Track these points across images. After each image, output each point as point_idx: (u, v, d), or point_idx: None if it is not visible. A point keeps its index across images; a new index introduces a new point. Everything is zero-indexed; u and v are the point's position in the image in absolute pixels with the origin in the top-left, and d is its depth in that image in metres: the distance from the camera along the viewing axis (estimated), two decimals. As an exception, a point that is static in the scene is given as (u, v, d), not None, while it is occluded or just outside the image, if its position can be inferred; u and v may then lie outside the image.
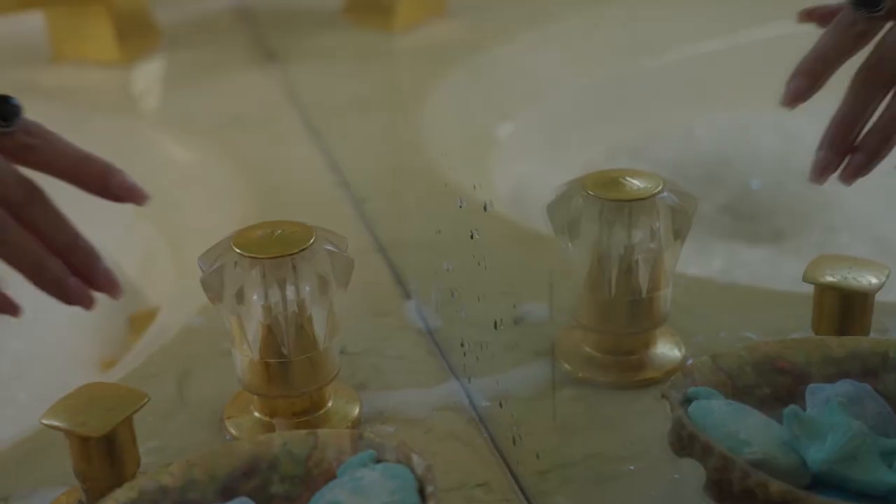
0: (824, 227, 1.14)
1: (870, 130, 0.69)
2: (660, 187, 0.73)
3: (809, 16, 0.77)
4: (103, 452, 0.63)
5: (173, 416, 0.75)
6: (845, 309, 0.72)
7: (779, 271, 1.10)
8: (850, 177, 0.70)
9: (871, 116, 0.69)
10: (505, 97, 1.30)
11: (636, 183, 0.74)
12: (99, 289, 0.62)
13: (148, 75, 1.38)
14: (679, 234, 0.74)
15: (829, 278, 0.72)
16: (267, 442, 0.62)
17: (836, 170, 0.70)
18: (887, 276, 0.73)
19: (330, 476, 0.61)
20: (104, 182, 0.64)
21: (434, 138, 1.17)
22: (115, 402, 0.64)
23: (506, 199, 1.08)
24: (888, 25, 0.70)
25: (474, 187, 0.76)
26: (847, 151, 0.70)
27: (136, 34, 1.38)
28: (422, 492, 0.58)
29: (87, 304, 0.61)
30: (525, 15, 1.45)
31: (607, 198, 0.73)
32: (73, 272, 0.61)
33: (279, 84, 1.31)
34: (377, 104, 1.27)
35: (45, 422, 0.63)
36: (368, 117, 1.23)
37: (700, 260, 1.07)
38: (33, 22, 1.37)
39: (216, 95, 1.30)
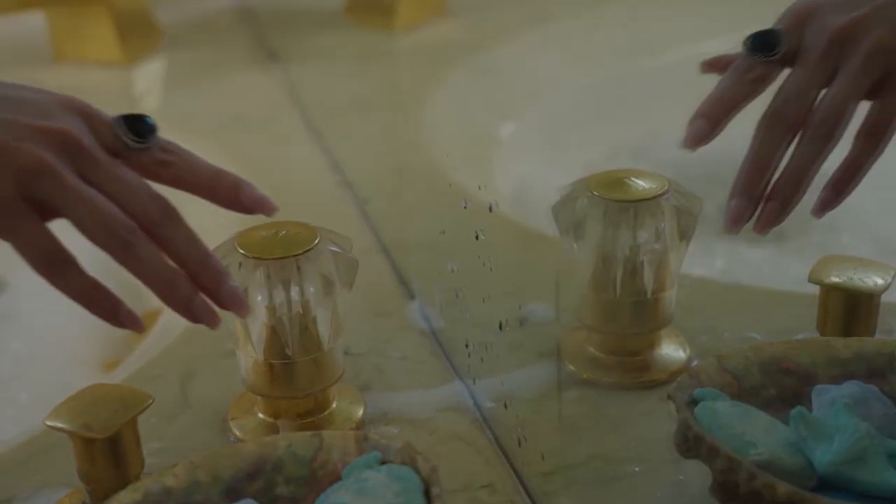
0: (826, 227, 1.14)
1: (781, 177, 0.69)
2: (665, 188, 0.73)
3: (712, 66, 0.78)
4: (107, 454, 0.63)
5: (177, 418, 0.74)
6: (851, 310, 0.72)
7: (781, 271, 1.10)
8: (765, 226, 0.69)
9: (779, 162, 0.69)
10: (506, 97, 1.30)
11: (641, 183, 0.74)
12: (224, 307, 0.63)
13: (149, 75, 1.38)
14: (684, 235, 0.74)
15: (835, 279, 0.72)
16: (271, 443, 0.62)
17: (750, 217, 0.69)
18: (893, 277, 0.73)
19: (335, 478, 0.61)
20: (236, 196, 0.65)
21: (435, 138, 1.17)
22: (120, 404, 0.64)
23: (507, 199, 1.08)
24: (786, 71, 0.70)
25: (479, 188, 0.76)
26: (760, 198, 0.69)
27: (136, 34, 1.38)
28: (427, 493, 0.58)
29: (212, 322, 0.62)
30: (525, 15, 1.45)
31: (612, 198, 0.73)
32: (201, 289, 0.62)
33: (280, 84, 1.31)
34: (378, 104, 1.27)
35: (49, 423, 0.63)
36: (370, 117, 1.23)
37: (702, 260, 1.07)
38: (34, 22, 1.37)
39: (217, 95, 1.30)
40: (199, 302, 0.62)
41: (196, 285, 0.62)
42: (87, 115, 0.63)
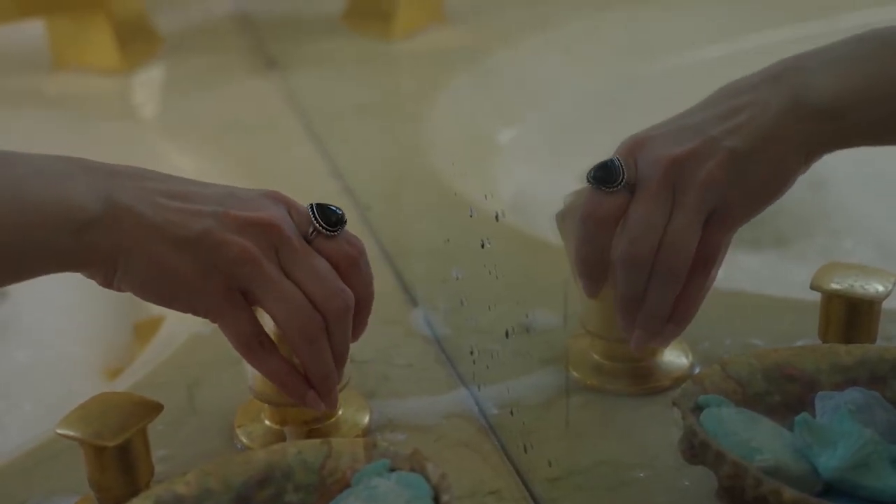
0: (828, 232, 1.14)
1: (641, 315, 0.71)
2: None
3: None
4: (118, 461, 0.63)
5: (184, 425, 0.75)
6: (852, 317, 0.73)
7: (781, 277, 1.10)
8: (638, 349, 0.73)
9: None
10: (507, 103, 1.30)
11: None
12: (326, 406, 0.69)
13: (149, 82, 1.39)
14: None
15: (836, 286, 0.73)
16: (281, 451, 0.62)
17: (654, 337, 0.72)
18: (894, 284, 0.73)
19: (344, 485, 0.61)
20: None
21: (436, 144, 1.17)
22: (129, 412, 0.64)
23: (509, 205, 1.09)
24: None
25: (486, 197, 0.76)
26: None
27: (136, 41, 1.38)
28: (436, 500, 0.58)
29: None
30: (525, 20, 1.45)
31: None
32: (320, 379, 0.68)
33: (280, 90, 1.31)
34: (378, 110, 1.27)
35: (59, 431, 0.63)
36: (369, 123, 1.23)
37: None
38: (34, 30, 1.38)
39: (217, 102, 1.30)
40: (312, 396, 0.68)
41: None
42: (287, 205, 0.68)
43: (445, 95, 1.28)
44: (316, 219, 0.67)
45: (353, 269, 0.68)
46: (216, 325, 0.84)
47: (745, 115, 0.70)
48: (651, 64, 1.39)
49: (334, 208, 0.68)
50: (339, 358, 0.67)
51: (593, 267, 0.72)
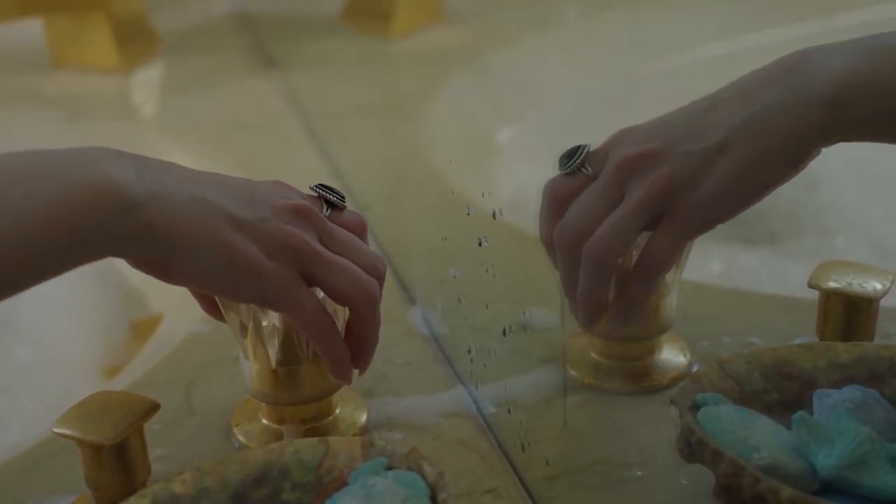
0: (821, 230, 1.14)
1: (577, 301, 0.70)
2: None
3: None
4: (115, 460, 0.63)
5: (181, 424, 0.75)
6: (850, 315, 0.73)
7: (777, 275, 1.10)
8: (609, 333, 0.74)
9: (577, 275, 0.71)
10: (506, 102, 1.30)
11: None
12: (357, 367, 0.70)
13: (148, 81, 1.39)
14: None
15: (834, 284, 0.73)
16: (278, 450, 0.62)
17: (590, 322, 0.71)
18: (891, 282, 0.73)
19: (341, 483, 0.61)
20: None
21: (435, 144, 1.17)
22: (126, 410, 0.64)
23: (507, 204, 1.09)
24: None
25: (483, 195, 0.76)
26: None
27: (135, 40, 1.38)
28: (433, 499, 0.58)
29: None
30: (524, 20, 1.45)
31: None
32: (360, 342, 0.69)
33: (279, 90, 1.31)
34: (377, 110, 1.27)
35: (56, 430, 0.63)
36: (369, 123, 1.23)
37: (699, 264, 1.08)
38: (32, 29, 1.38)
39: (216, 101, 1.30)
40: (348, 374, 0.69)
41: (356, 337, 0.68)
42: (294, 189, 0.68)
43: (445, 95, 1.28)
44: (329, 192, 0.69)
45: (365, 235, 0.70)
46: (214, 326, 0.84)
47: (732, 102, 0.68)
48: (651, 64, 1.40)
49: (332, 188, 0.70)
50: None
51: (547, 246, 0.72)
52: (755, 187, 0.67)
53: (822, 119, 0.65)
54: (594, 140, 0.71)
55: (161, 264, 0.62)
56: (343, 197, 0.70)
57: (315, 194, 0.69)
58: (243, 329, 0.69)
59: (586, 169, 0.70)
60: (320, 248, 0.65)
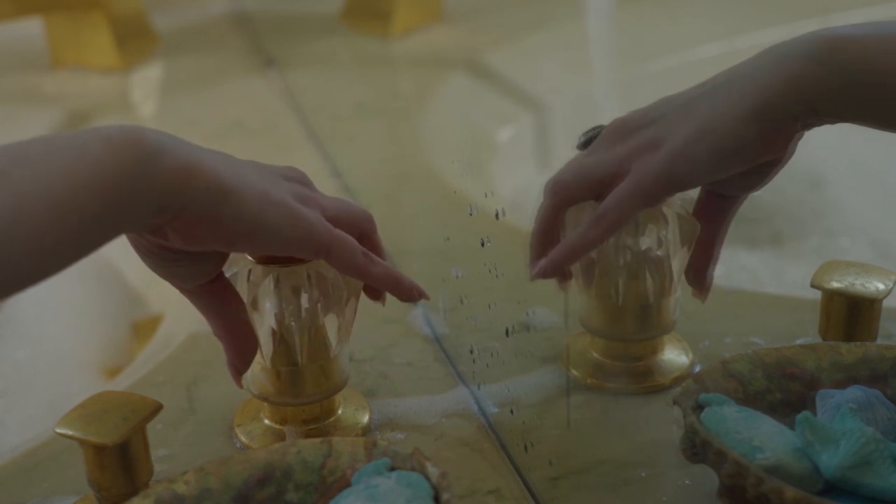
0: (824, 231, 1.15)
1: (559, 245, 0.70)
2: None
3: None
4: (117, 461, 0.63)
5: (183, 424, 0.75)
6: (852, 315, 0.73)
7: (779, 275, 1.11)
8: (533, 274, 0.71)
9: (558, 224, 0.71)
10: (505, 102, 1.30)
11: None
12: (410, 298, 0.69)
13: (147, 81, 1.38)
14: (686, 242, 0.74)
15: (837, 284, 0.73)
16: (281, 450, 0.62)
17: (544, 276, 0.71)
18: (894, 283, 0.73)
19: (344, 484, 0.61)
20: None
21: (435, 143, 1.17)
22: (129, 411, 0.64)
23: (509, 204, 1.09)
24: None
25: (486, 195, 0.76)
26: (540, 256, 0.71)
27: (134, 40, 1.38)
28: (437, 499, 0.58)
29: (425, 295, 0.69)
30: (522, 20, 1.45)
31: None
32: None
33: (278, 90, 1.31)
34: (377, 109, 1.27)
35: (59, 430, 0.63)
36: (368, 122, 1.23)
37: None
38: (32, 28, 1.37)
39: (215, 101, 1.30)
40: (415, 284, 0.68)
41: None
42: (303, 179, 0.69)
43: (444, 95, 1.28)
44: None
45: (373, 229, 0.69)
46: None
47: (714, 79, 0.67)
48: (651, 64, 1.40)
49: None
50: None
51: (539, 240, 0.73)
52: (717, 145, 0.65)
53: (797, 73, 0.63)
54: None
55: (209, 219, 0.60)
56: None
57: None
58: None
59: None
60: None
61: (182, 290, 0.68)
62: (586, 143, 0.72)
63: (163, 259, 0.64)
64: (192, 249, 0.62)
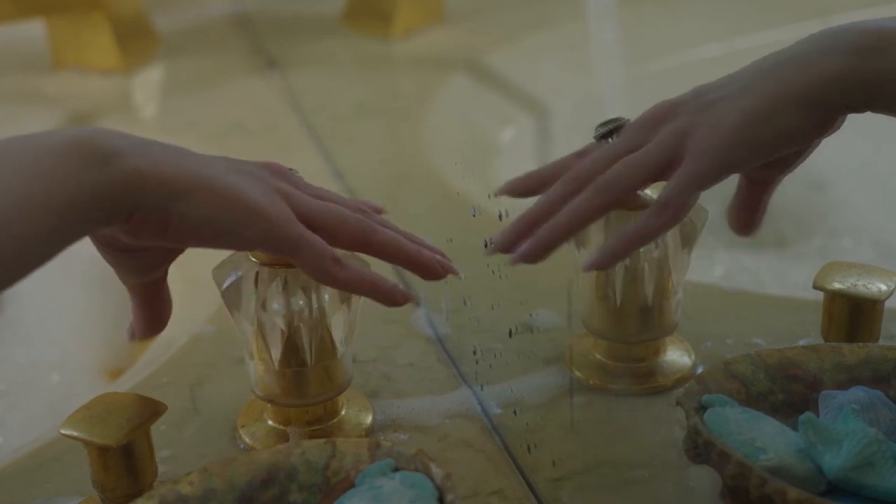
0: (826, 232, 1.15)
1: (547, 224, 0.68)
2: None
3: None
4: (122, 462, 0.63)
5: (186, 425, 0.75)
6: (855, 316, 0.73)
7: (781, 277, 1.11)
8: (517, 257, 0.68)
9: (554, 213, 0.68)
10: (506, 103, 1.30)
11: (645, 191, 0.74)
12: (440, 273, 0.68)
13: (148, 82, 1.39)
14: (687, 243, 0.74)
15: (839, 285, 0.73)
16: (285, 451, 0.62)
17: (508, 250, 0.69)
18: (896, 283, 0.73)
19: (348, 485, 0.61)
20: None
21: (436, 144, 1.17)
22: (133, 412, 0.64)
23: (511, 205, 1.09)
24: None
25: (489, 197, 0.76)
26: (521, 237, 0.69)
27: (135, 41, 1.38)
28: (441, 500, 0.58)
29: (457, 273, 0.68)
30: (523, 21, 1.45)
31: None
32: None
33: (280, 91, 1.31)
34: (378, 111, 1.27)
35: (63, 432, 0.63)
36: (370, 123, 1.23)
37: (703, 265, 1.08)
38: (33, 30, 1.38)
39: (216, 102, 1.30)
40: (442, 260, 0.67)
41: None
42: (283, 170, 0.67)
43: (445, 95, 1.28)
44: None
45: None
46: (218, 327, 0.85)
47: (752, 66, 0.68)
48: (651, 64, 1.40)
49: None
50: (405, 235, 0.67)
51: (541, 171, 0.73)
52: (772, 130, 0.65)
53: (842, 68, 0.64)
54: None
55: (158, 220, 0.59)
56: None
57: None
58: (249, 330, 0.69)
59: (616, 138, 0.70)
60: (302, 195, 0.64)
61: (125, 282, 0.67)
62: (606, 135, 0.71)
63: (113, 249, 0.64)
64: (144, 245, 0.62)
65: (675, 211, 0.66)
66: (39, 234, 0.54)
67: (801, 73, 0.65)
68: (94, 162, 0.56)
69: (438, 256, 0.67)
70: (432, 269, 0.67)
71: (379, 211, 0.70)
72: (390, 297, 0.65)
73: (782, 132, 0.66)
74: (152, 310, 0.68)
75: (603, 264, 0.68)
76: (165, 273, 0.67)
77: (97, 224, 0.57)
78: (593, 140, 0.72)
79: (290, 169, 0.68)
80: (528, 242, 0.68)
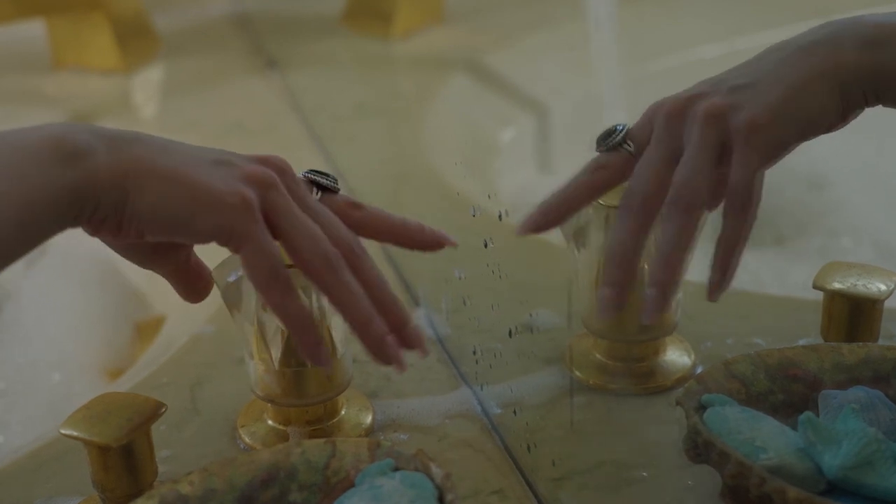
0: (826, 231, 1.15)
1: (653, 263, 0.66)
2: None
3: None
4: (122, 462, 0.63)
5: (186, 425, 0.75)
6: (854, 316, 0.73)
7: (781, 276, 1.11)
8: (651, 316, 0.66)
9: (642, 242, 0.67)
10: (506, 103, 1.30)
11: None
12: (408, 346, 0.64)
13: (148, 82, 1.39)
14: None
15: (839, 285, 0.73)
16: (285, 451, 0.63)
17: (623, 304, 0.67)
18: (896, 283, 0.73)
19: (348, 485, 0.61)
20: (421, 236, 0.67)
21: (436, 144, 1.17)
22: (133, 412, 0.64)
23: (511, 205, 1.09)
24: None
25: (489, 196, 0.76)
26: (627, 284, 0.67)
27: (135, 41, 1.38)
28: (441, 500, 0.58)
29: (400, 365, 0.63)
30: (523, 21, 1.45)
31: (614, 206, 0.73)
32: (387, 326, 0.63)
33: (280, 91, 1.31)
34: (378, 111, 1.27)
35: (63, 432, 0.63)
36: (370, 123, 1.23)
37: (703, 265, 1.08)
38: (34, 30, 1.38)
39: (216, 102, 1.30)
40: (391, 342, 0.63)
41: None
42: (280, 160, 0.65)
43: (445, 95, 1.28)
44: (320, 176, 0.66)
45: (355, 211, 0.66)
46: (218, 327, 0.85)
47: (769, 53, 0.68)
48: (651, 64, 1.40)
49: (326, 172, 0.67)
50: (384, 297, 0.63)
51: (557, 197, 0.69)
52: (806, 112, 0.66)
53: (856, 60, 0.65)
54: (594, 141, 0.71)
55: (114, 218, 0.59)
56: (335, 180, 0.66)
57: (304, 179, 0.66)
58: (249, 330, 0.69)
59: (628, 145, 0.69)
60: (288, 196, 0.62)
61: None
62: (611, 141, 0.69)
63: (114, 246, 0.64)
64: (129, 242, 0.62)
65: (755, 202, 0.67)
66: (9, 230, 0.55)
67: (817, 65, 0.66)
68: (65, 161, 0.56)
69: (393, 327, 0.64)
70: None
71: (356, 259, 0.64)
72: (311, 354, 0.63)
73: (824, 108, 0.66)
74: (185, 287, 0.67)
75: (725, 285, 0.67)
76: (188, 257, 0.66)
77: (67, 222, 0.58)
78: (599, 151, 0.70)
79: (319, 177, 0.66)
80: (654, 294, 0.66)
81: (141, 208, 0.58)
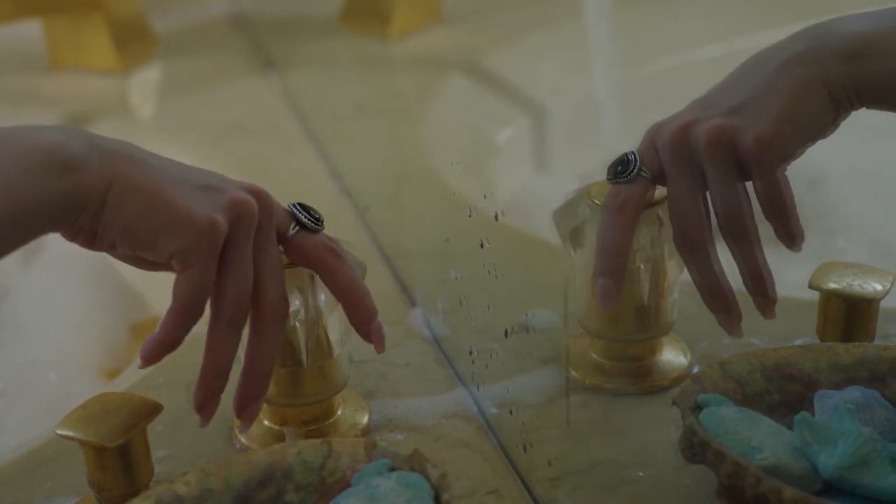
0: (822, 231, 1.15)
1: (747, 282, 0.72)
2: (664, 196, 0.74)
3: None
4: (118, 462, 0.63)
5: (183, 426, 0.75)
6: (851, 315, 0.73)
7: (777, 276, 1.10)
8: (768, 313, 0.73)
9: (717, 271, 0.72)
10: (504, 103, 1.30)
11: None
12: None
13: (146, 83, 1.38)
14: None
15: (835, 285, 0.73)
16: (281, 451, 0.63)
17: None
18: (892, 283, 0.73)
19: (344, 485, 0.61)
20: (366, 325, 0.68)
21: (434, 145, 1.17)
22: (129, 412, 0.64)
23: (508, 205, 1.09)
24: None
25: (485, 196, 0.77)
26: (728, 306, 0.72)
27: (133, 42, 1.38)
28: (437, 500, 0.58)
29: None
30: (522, 21, 1.45)
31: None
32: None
33: (278, 91, 1.31)
34: (376, 111, 1.27)
35: (59, 432, 0.63)
36: (368, 124, 1.23)
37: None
38: (31, 30, 1.37)
39: (215, 103, 1.30)
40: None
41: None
42: (264, 196, 0.65)
43: (443, 96, 1.28)
44: (302, 212, 0.66)
45: (338, 259, 0.66)
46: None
47: (753, 67, 0.69)
48: (651, 64, 1.40)
49: (313, 209, 0.67)
50: (263, 362, 0.65)
51: (610, 258, 0.70)
52: (807, 117, 0.68)
53: (840, 72, 0.67)
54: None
55: (89, 229, 0.60)
56: (319, 220, 0.67)
57: (286, 211, 0.67)
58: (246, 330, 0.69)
59: (644, 172, 0.71)
60: (253, 234, 0.63)
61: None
62: (629, 172, 0.71)
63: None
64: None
65: (793, 204, 0.70)
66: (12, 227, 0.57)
67: (803, 76, 0.67)
68: (57, 170, 0.58)
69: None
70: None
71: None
72: (198, 409, 0.65)
73: (822, 111, 0.68)
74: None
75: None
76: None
77: (53, 228, 0.59)
78: (616, 181, 0.71)
79: (302, 213, 0.67)
80: (766, 311, 0.72)
81: (116, 221, 0.60)
